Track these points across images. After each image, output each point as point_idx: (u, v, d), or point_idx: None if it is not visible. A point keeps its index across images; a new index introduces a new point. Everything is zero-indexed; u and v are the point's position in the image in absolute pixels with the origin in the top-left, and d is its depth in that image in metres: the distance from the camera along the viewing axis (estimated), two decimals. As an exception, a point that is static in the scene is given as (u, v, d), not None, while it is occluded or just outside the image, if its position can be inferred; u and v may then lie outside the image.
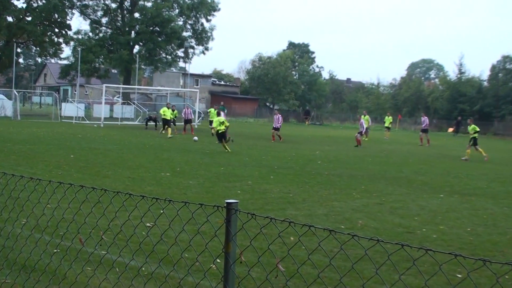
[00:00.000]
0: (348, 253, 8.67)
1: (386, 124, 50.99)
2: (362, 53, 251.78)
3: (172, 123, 39.56)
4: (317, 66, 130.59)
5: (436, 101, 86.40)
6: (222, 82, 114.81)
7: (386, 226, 11.53)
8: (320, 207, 13.37)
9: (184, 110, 43.72)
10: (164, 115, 38.26)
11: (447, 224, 12.11)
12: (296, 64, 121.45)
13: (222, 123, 29.17)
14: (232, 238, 3.66)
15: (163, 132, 38.54)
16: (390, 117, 51.51)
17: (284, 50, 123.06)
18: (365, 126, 40.45)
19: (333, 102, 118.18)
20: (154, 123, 47.18)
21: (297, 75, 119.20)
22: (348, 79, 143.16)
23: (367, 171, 22.42)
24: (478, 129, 32.31)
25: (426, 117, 45.22)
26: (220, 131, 28.93)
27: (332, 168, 22.57)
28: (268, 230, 9.66)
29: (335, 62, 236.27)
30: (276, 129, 37.75)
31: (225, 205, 3.71)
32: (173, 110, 40.34)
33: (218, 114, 31.39)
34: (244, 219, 3.89)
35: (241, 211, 3.69)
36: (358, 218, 12.25)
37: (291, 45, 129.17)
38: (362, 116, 44.16)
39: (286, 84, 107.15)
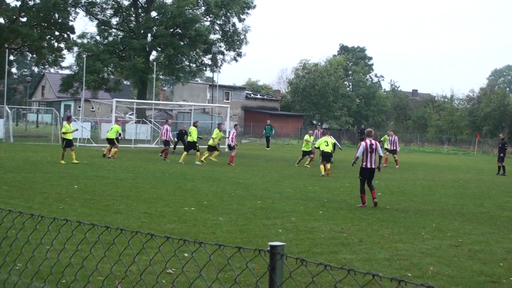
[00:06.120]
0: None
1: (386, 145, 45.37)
2: (431, 59, 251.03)
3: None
4: (376, 76, 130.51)
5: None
6: (259, 96, 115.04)
7: (463, 274, 11.45)
8: (380, 250, 13.32)
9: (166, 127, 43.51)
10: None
11: (541, 272, 11.97)
12: (350, 72, 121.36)
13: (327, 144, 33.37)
14: (278, 289, 3.68)
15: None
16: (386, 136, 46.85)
17: (334, 56, 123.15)
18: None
19: (396, 120, 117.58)
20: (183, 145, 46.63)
21: (350, 87, 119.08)
22: (414, 91, 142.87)
23: (439, 204, 22.26)
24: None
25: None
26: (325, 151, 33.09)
27: (395, 202, 22.47)
28: (319, 279, 9.65)
29: (397, 70, 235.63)
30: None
31: (268, 248, 3.73)
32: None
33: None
34: (292, 266, 3.90)
35: (288, 256, 3.70)
36: (429, 263, 12.18)
37: (344, 49, 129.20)
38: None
39: (337, 98, 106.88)
